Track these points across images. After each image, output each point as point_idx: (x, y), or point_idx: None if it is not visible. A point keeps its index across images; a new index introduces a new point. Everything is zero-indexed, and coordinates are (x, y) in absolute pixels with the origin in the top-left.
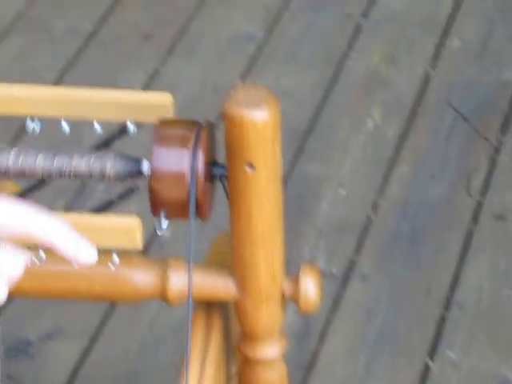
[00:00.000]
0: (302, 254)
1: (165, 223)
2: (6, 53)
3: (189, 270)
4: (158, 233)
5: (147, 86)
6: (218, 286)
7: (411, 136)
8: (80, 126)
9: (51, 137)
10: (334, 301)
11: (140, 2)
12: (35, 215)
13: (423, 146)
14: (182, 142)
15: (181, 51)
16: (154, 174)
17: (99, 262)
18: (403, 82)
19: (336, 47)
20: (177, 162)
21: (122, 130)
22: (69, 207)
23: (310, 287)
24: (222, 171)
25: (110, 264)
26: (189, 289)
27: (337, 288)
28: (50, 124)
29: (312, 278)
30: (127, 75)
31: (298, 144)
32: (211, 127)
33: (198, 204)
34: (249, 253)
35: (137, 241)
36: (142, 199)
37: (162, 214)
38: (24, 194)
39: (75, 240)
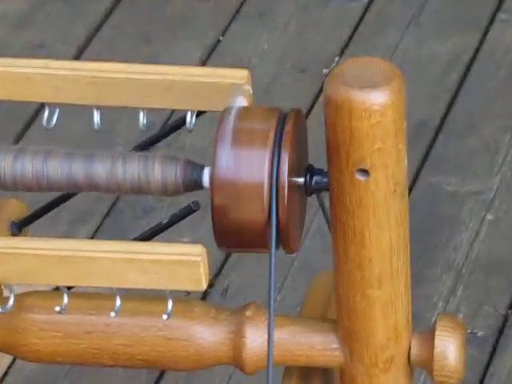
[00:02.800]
0: (432, 301)
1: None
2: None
3: (269, 325)
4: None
5: (202, 62)
6: (316, 346)
7: None
8: (112, 117)
9: (70, 132)
10: (481, 369)
11: None
12: None
13: None
14: (259, 139)
15: (249, 14)
16: (217, 186)
17: (146, 310)
18: None
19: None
20: (250, 168)
21: (178, 122)
22: (101, 231)
23: (450, 349)
24: (319, 180)
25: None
26: (269, 352)
27: (484, 353)
28: (70, 114)
29: (452, 335)
30: (176, 47)
31: (428, 143)
32: (300, 118)
33: (281, 229)
34: (360, 298)
35: (200, 280)
36: (199, 223)
37: (229, 243)
38: (37, 216)
39: None
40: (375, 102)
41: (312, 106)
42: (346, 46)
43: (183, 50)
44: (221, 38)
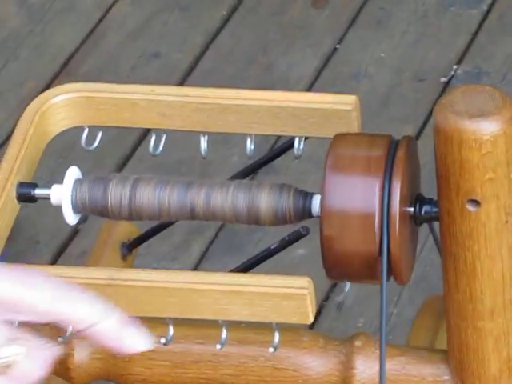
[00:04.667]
0: None
1: (346, 285)
2: (121, 27)
3: (381, 356)
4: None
5: (318, 71)
6: (426, 378)
7: None
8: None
9: (168, 150)
10: None
11: None
12: (67, 291)
13: None
14: (368, 168)
15: (366, 22)
16: (326, 215)
17: (254, 340)
18: None
19: None
20: (361, 197)
21: (284, 147)
22: (216, 244)
23: None
24: (428, 210)
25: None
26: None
27: None
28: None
29: None
30: (292, 55)
31: None
32: (412, 145)
33: (393, 260)
34: (471, 330)
35: (306, 313)
36: (314, 232)
37: (339, 274)
38: (146, 238)
39: (123, 322)
40: (486, 132)
41: (429, 115)
42: (464, 54)
43: (299, 58)
44: (337, 46)
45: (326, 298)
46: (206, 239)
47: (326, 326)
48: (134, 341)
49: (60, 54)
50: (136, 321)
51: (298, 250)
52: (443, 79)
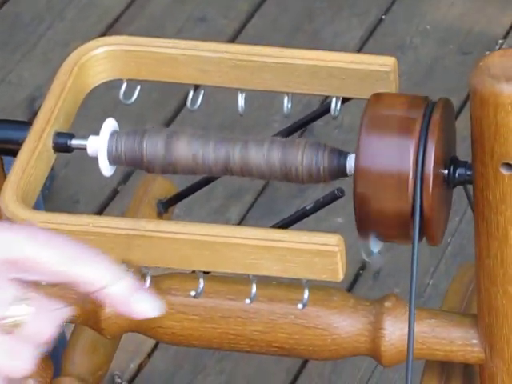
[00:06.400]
0: None
1: (376, 245)
2: None
3: (409, 317)
4: (366, 259)
5: (363, 41)
6: (455, 341)
7: None
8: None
9: (210, 114)
10: None
11: None
12: (80, 253)
13: None
14: (404, 128)
15: None
16: (360, 175)
17: (284, 297)
18: None
19: None
20: (395, 157)
21: (323, 108)
22: (255, 208)
23: None
24: (462, 173)
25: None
26: (408, 346)
27: None
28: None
29: None
30: (338, 24)
31: None
32: (448, 107)
33: (425, 220)
34: (501, 295)
35: (337, 270)
36: (341, 210)
37: (373, 233)
38: (182, 196)
39: (134, 287)
40: None
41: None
42: (511, 28)
43: (345, 27)
44: (383, 16)
45: (363, 267)
46: (244, 204)
47: (362, 294)
48: (144, 306)
49: (106, 16)
50: (148, 287)
51: (337, 218)
52: (488, 53)
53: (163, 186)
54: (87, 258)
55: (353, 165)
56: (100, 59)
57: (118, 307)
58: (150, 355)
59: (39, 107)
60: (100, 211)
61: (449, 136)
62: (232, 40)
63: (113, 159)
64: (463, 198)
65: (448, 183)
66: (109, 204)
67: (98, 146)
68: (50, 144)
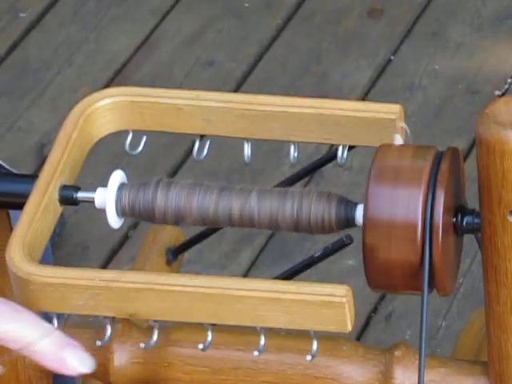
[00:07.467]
0: None
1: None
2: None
3: (419, 368)
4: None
5: (372, 81)
6: None
7: None
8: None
9: (219, 158)
10: None
11: None
12: (6, 309)
13: None
14: (412, 179)
15: (421, 33)
16: (368, 224)
17: (293, 348)
18: None
19: None
20: (404, 206)
21: (331, 154)
22: (266, 252)
23: None
24: (470, 221)
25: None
26: None
27: None
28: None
29: None
30: (346, 65)
31: None
32: (456, 156)
33: (435, 270)
34: (510, 344)
35: (345, 321)
36: (353, 252)
37: (381, 284)
38: (191, 244)
39: (62, 343)
40: None
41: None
42: None
43: (353, 68)
44: (392, 57)
45: (375, 310)
46: (255, 248)
47: (375, 337)
48: (73, 362)
49: (114, 61)
50: (76, 342)
51: (348, 260)
52: (497, 92)
53: (172, 234)
54: (11, 314)
55: (361, 215)
56: (105, 110)
57: (46, 363)
58: None
59: (48, 153)
60: (110, 257)
61: (457, 184)
62: (241, 83)
63: (121, 212)
64: (474, 239)
65: (457, 232)
66: (119, 250)
67: (105, 198)
68: (56, 197)
